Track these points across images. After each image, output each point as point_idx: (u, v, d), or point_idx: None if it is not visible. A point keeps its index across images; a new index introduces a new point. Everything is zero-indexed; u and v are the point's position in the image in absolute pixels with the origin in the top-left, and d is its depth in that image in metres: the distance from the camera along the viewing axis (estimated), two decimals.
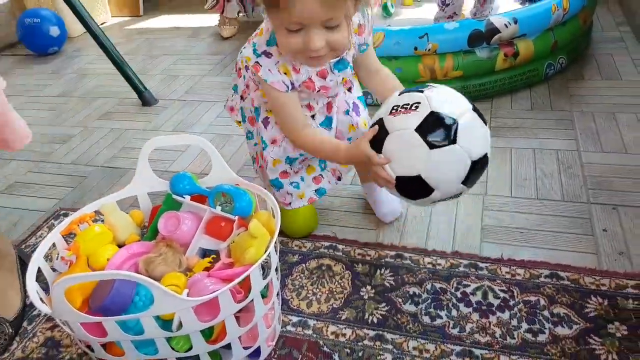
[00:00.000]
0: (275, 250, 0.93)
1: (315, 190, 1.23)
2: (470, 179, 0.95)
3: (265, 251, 0.86)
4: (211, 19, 2.79)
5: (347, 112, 1.16)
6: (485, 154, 0.96)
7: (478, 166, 0.94)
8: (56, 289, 0.74)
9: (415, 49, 1.72)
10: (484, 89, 1.79)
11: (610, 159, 1.42)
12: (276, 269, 0.93)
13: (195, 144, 1.04)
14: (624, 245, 1.13)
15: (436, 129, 0.91)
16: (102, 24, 3.10)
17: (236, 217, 0.95)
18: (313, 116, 1.13)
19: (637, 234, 1.16)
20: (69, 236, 1.02)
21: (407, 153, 0.93)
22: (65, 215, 1.46)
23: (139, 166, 1.06)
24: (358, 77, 1.19)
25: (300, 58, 0.98)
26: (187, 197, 1.03)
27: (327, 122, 1.15)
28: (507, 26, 1.71)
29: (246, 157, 1.64)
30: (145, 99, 2.08)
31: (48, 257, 1.16)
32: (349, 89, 1.18)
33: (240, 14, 2.68)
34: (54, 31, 2.71)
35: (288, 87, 1.01)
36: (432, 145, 0.91)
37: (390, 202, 1.30)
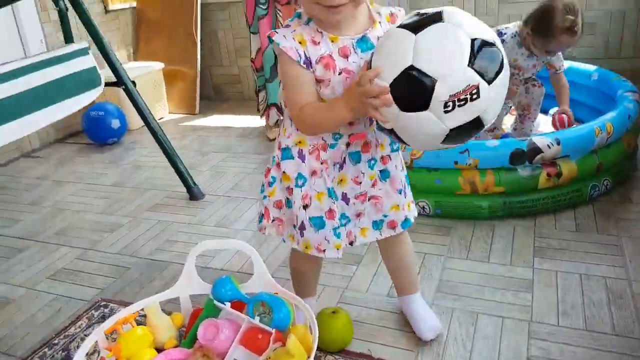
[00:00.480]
0: None
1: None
2: (478, 63, 0.81)
3: None
4: (260, 121, 2.96)
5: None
6: (486, 39, 0.84)
7: (483, 48, 0.82)
8: None
9: (456, 162, 1.76)
10: (526, 206, 1.78)
11: None
12: None
13: (240, 249, 1.07)
14: None
15: (417, 17, 0.86)
16: (160, 119, 3.34)
17: (274, 330, 0.95)
18: (348, 144, 1.08)
19: None
20: (111, 334, 1.04)
21: (393, 50, 0.85)
22: (105, 306, 1.48)
23: (186, 268, 1.09)
24: None
25: (319, 11, 0.93)
26: (228, 304, 1.04)
27: (355, 157, 1.10)
28: (549, 147, 1.74)
29: (281, 259, 1.66)
30: (194, 194, 2.17)
31: (88, 355, 1.17)
32: None
33: (279, 121, 2.84)
34: (115, 124, 2.93)
35: (300, 57, 0.97)
36: (415, 29, 0.82)
37: (429, 317, 1.27)
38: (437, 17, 0.85)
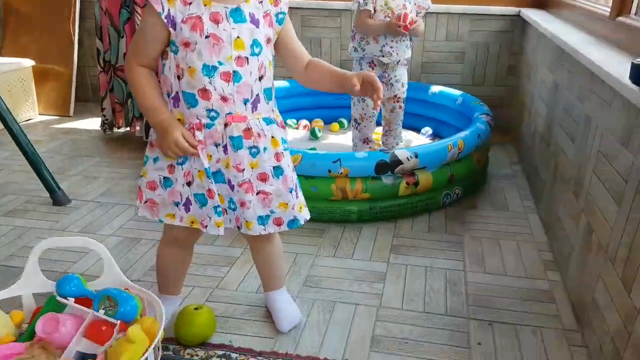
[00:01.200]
0: (156, 358, 0.94)
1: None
2: None
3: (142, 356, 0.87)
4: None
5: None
6: None
7: None
8: None
9: (329, 171, 1.87)
10: (388, 210, 1.94)
11: (490, 279, 1.56)
12: None
13: (87, 246, 1.05)
14: (494, 359, 1.22)
15: None
16: (27, 120, 3.12)
17: (118, 321, 0.96)
18: (226, 124, 1.10)
19: (507, 347, 1.26)
20: None
21: None
22: None
23: (28, 266, 1.06)
24: (286, 65, 1.21)
25: None
26: (72, 300, 1.02)
27: (236, 143, 1.11)
28: (409, 159, 1.91)
29: (149, 264, 1.65)
30: (57, 199, 2.06)
31: None
32: (260, 78, 1.12)
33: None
34: None
35: (163, 11, 0.99)
36: None
37: (289, 310, 1.35)
38: None
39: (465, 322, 1.36)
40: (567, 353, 1.24)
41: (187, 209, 1.15)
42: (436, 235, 1.84)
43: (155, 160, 1.15)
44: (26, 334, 0.99)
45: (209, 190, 1.12)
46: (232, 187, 1.15)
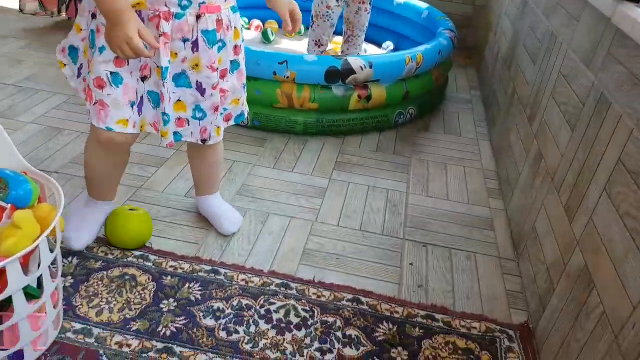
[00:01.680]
0: (53, 248, 0.83)
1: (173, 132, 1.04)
2: None
3: (33, 244, 0.76)
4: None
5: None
6: None
7: None
8: None
9: (274, 73, 1.73)
10: (336, 125, 1.84)
11: (432, 203, 1.52)
12: (55, 270, 0.83)
13: None
14: (425, 279, 1.19)
15: None
16: None
17: (8, 205, 0.83)
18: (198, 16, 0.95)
19: (438, 269, 1.23)
20: None
21: None
22: None
23: None
24: None
25: None
26: None
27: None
28: (362, 68, 1.79)
29: (71, 155, 1.50)
30: None
31: None
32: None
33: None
34: None
35: None
36: None
37: (230, 212, 1.28)
38: None
39: (400, 242, 1.32)
40: (499, 280, 1.23)
41: (140, 111, 0.99)
42: (383, 155, 1.77)
43: (102, 50, 0.94)
44: None
45: (162, 94, 0.97)
46: (202, 91, 1.01)
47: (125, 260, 1.13)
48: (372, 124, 1.91)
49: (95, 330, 0.95)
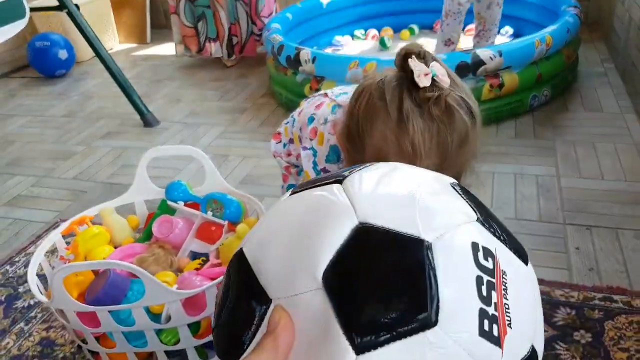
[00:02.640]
0: None
1: None
2: None
3: None
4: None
5: None
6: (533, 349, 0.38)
7: None
8: (56, 277, 0.79)
9: None
10: None
11: (587, 184, 1.49)
12: None
13: (190, 154, 1.11)
14: (594, 262, 1.19)
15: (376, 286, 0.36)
16: (109, 49, 3.23)
17: (226, 222, 1.01)
18: None
19: (607, 251, 1.22)
20: (68, 237, 1.09)
21: None
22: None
23: (138, 174, 1.13)
24: None
25: None
26: (181, 204, 1.09)
27: None
28: (492, 59, 1.80)
29: (241, 176, 1.72)
30: (147, 121, 2.17)
31: (48, 258, 1.22)
32: None
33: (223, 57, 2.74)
34: (63, 54, 2.83)
35: None
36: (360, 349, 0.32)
37: None
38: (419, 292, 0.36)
39: (561, 227, 1.32)
40: None
41: None
42: (524, 140, 1.76)
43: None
44: (144, 236, 1.08)
45: None
46: None
47: None
48: (507, 111, 1.90)
49: None
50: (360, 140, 0.70)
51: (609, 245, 1.24)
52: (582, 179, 1.51)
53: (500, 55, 1.81)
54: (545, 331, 1.02)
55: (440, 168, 0.66)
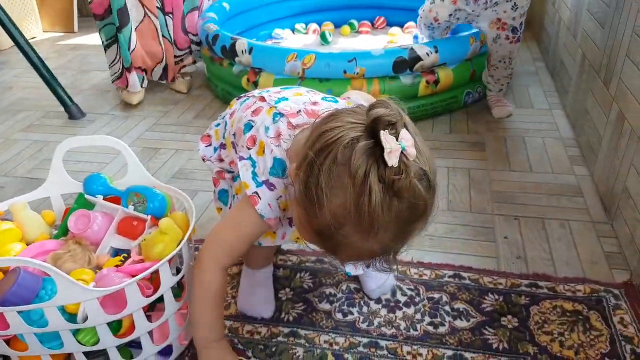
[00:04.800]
0: (191, 250, 0.94)
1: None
2: None
3: (177, 248, 0.87)
4: None
5: None
6: None
7: None
8: None
9: (345, 72, 1.80)
10: (408, 113, 1.89)
11: (516, 176, 1.54)
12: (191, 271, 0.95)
13: (108, 144, 1.03)
14: (522, 251, 1.23)
15: None
16: (32, 38, 3.03)
17: (149, 216, 0.96)
18: None
19: (534, 240, 1.26)
20: None
21: None
22: None
23: (53, 167, 1.05)
24: None
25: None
26: (100, 197, 1.02)
27: None
28: (428, 55, 1.83)
29: (171, 171, 1.65)
30: (72, 113, 2.04)
31: None
32: None
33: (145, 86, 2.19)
34: None
35: (280, 222, 0.88)
36: None
37: (380, 276, 1.11)
38: None
39: (490, 217, 1.36)
40: (596, 244, 1.24)
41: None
42: (458, 136, 1.80)
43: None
44: (59, 231, 1.01)
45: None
46: None
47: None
48: (442, 107, 1.94)
49: (227, 322, 1.06)
50: (319, 205, 0.69)
51: (536, 234, 1.28)
52: (511, 172, 1.56)
53: (437, 51, 1.84)
54: (474, 317, 1.04)
55: (392, 240, 0.70)
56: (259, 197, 0.82)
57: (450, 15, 1.80)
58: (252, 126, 0.88)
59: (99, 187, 1.03)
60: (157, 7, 2.10)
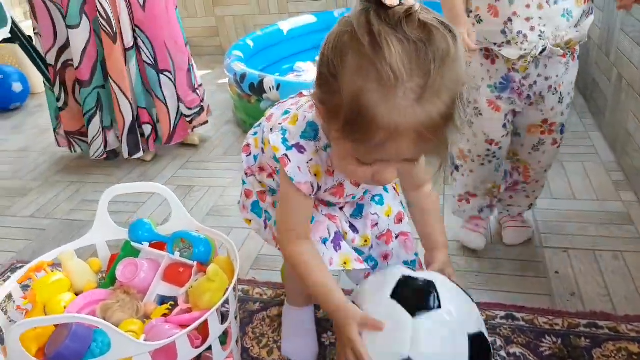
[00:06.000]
0: (235, 296, 0.93)
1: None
2: None
3: (224, 296, 0.86)
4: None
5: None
6: (482, 333, 0.76)
7: (480, 347, 0.74)
8: (12, 334, 0.71)
9: None
10: None
11: (560, 205, 1.49)
12: (235, 316, 0.93)
13: (154, 191, 1.04)
14: (576, 286, 1.17)
15: (410, 289, 0.76)
16: None
17: (195, 263, 0.95)
18: (341, 208, 0.95)
19: (587, 274, 1.21)
20: (26, 286, 1.00)
21: (388, 330, 0.73)
22: (22, 267, 1.41)
23: (98, 215, 1.05)
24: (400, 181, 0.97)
25: (350, 177, 0.84)
26: (146, 244, 1.02)
27: (358, 212, 0.97)
28: None
29: (206, 208, 1.65)
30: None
31: (3, 309, 1.12)
32: None
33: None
34: (17, 87, 2.72)
35: (313, 191, 0.83)
36: (411, 308, 0.73)
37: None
38: (431, 296, 0.74)
39: (539, 251, 1.31)
40: None
41: (338, 246, 0.91)
42: None
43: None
44: (107, 280, 1.00)
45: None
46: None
47: (279, 299, 1.22)
48: None
49: None
50: (335, 81, 0.64)
51: (588, 267, 1.23)
52: (554, 200, 1.52)
53: None
54: None
55: (424, 91, 0.61)
56: (288, 159, 0.80)
57: (504, 126, 1.19)
58: (290, 111, 0.87)
59: (144, 234, 1.03)
60: (146, 62, 1.88)
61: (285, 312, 1.12)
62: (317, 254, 0.85)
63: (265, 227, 0.99)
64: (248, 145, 1.01)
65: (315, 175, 0.82)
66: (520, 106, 1.16)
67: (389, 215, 0.99)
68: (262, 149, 0.96)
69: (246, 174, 1.02)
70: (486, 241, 1.33)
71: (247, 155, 1.01)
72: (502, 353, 1.01)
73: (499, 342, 1.04)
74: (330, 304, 0.80)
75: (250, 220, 1.02)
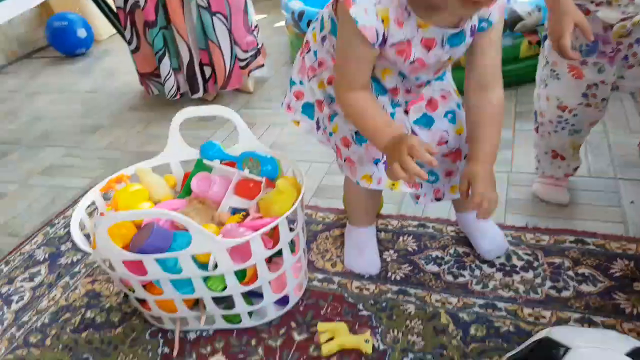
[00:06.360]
0: (302, 209, 0.96)
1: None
2: None
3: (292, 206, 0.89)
4: None
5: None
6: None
7: None
8: (100, 226, 0.77)
9: None
10: (508, 76, 1.78)
11: (636, 139, 1.41)
12: (302, 229, 0.97)
13: (222, 114, 1.07)
14: None
15: None
16: None
17: (264, 178, 0.98)
18: (406, 112, 0.94)
19: None
20: (107, 195, 1.08)
21: None
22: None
23: (171, 136, 1.10)
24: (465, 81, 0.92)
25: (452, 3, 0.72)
26: (217, 162, 1.06)
27: (425, 121, 0.95)
28: (530, 14, 1.72)
29: (267, 144, 1.68)
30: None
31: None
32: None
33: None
34: (82, 33, 2.81)
35: (377, 40, 0.77)
36: None
37: (495, 236, 1.07)
38: None
39: (613, 182, 1.26)
40: None
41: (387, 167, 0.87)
42: None
43: (332, 117, 0.95)
44: (183, 192, 1.06)
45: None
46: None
47: (341, 222, 1.25)
48: None
49: (335, 279, 1.08)
50: None
51: None
52: (631, 134, 1.44)
53: (539, 10, 1.72)
54: (601, 282, 0.97)
55: None
56: (354, 1, 0.75)
57: (584, 95, 1.07)
58: None
59: (215, 153, 1.07)
60: (200, 5, 1.85)
61: (348, 232, 1.15)
62: (373, 100, 0.83)
63: (318, 129, 0.99)
64: (307, 42, 0.99)
65: (383, 21, 0.76)
66: (611, 73, 1.01)
67: (460, 134, 0.97)
68: (322, 40, 0.93)
69: (302, 75, 0.99)
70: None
71: (307, 53, 0.98)
72: (570, 272, 1.00)
73: (566, 263, 1.03)
74: (379, 136, 0.81)
75: (299, 122, 1.01)
